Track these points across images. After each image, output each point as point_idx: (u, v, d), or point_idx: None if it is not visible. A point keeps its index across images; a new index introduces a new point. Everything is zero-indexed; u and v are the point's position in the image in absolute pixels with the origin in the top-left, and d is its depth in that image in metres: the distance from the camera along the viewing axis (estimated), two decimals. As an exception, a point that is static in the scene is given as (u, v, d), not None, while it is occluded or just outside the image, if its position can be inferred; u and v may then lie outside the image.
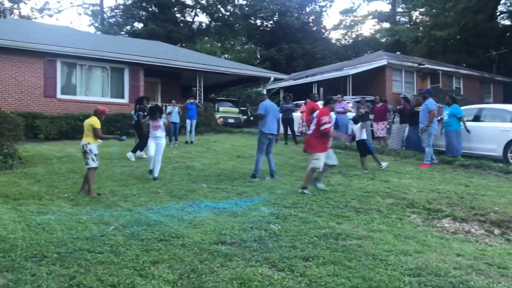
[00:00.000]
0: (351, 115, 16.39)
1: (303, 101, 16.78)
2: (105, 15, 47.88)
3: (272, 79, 23.08)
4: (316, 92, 16.82)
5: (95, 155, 7.82)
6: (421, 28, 44.50)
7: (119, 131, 16.30)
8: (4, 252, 4.42)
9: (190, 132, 15.58)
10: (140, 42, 25.72)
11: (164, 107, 15.68)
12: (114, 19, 46.94)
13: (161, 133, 9.35)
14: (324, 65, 39.02)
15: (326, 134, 7.60)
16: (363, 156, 10.12)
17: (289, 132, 15.63)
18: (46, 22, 42.78)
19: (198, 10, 48.51)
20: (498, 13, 40.70)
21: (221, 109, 22.51)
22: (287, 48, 42.40)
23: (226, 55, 39.96)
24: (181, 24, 46.34)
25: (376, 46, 47.62)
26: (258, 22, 48.49)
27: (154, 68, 19.36)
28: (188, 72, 20.91)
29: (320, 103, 12.73)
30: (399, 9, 52.79)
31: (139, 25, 45.48)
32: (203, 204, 6.76)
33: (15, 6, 44.33)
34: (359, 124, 10.33)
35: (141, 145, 11.80)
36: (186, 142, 15.32)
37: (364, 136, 10.29)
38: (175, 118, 15.03)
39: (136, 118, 12.42)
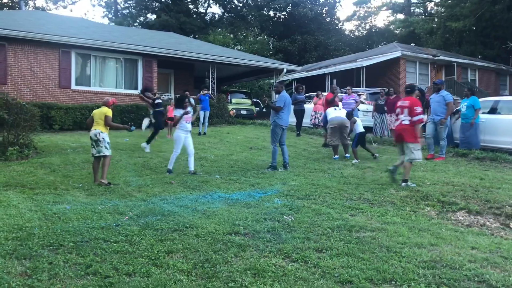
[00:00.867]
0: (364, 107, 16.34)
1: (315, 93, 16.67)
2: (118, 6, 48.02)
3: (285, 70, 23.00)
4: (335, 84, 16.65)
5: (108, 143, 7.94)
6: (436, 19, 43.93)
7: (133, 121, 16.41)
8: (21, 240, 4.50)
9: (203, 123, 15.64)
10: (154, 34, 25.76)
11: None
12: (127, 11, 47.08)
13: (190, 126, 9.11)
14: (337, 56, 38.75)
15: (420, 124, 7.63)
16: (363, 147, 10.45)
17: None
18: (61, 14, 43.04)
19: (211, 1, 48.42)
20: (515, 4, 39.94)
21: (233, 100, 22.53)
22: (300, 40, 42.15)
23: (239, 47, 39.91)
24: (194, 16, 46.29)
25: (390, 38, 47.19)
26: (271, 13, 48.22)
27: (167, 59, 19.41)
28: (201, 63, 20.94)
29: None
30: (414, 0, 52.11)
31: (152, 17, 45.57)
32: (217, 195, 6.79)
33: (30, -3, 44.64)
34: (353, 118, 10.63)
35: (153, 137, 11.89)
36: (199, 134, 15.37)
37: (358, 129, 10.41)
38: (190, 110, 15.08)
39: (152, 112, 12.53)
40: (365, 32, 54.57)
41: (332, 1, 48.99)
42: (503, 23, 35.96)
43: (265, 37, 42.05)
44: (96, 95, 17.47)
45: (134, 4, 46.33)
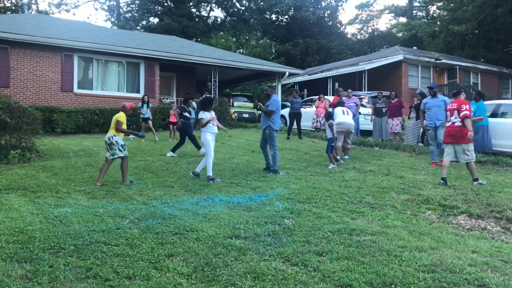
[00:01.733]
0: (365, 110, 16.34)
1: (317, 97, 16.69)
2: (121, 10, 48.23)
3: (287, 74, 23.02)
4: (339, 87, 16.65)
5: (122, 145, 8.19)
6: (438, 23, 43.94)
7: (135, 125, 16.46)
8: (22, 243, 4.52)
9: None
10: (156, 37, 25.83)
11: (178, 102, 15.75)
12: (130, 14, 47.28)
13: (216, 129, 8.96)
14: (340, 60, 38.80)
15: (467, 119, 7.95)
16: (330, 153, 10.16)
17: (295, 126, 15.64)
18: (63, 17, 43.23)
19: (213, 4, 48.55)
20: (518, 7, 39.94)
21: (235, 104, 22.55)
22: (302, 43, 42.23)
23: (241, 50, 39.95)
24: (197, 19, 46.41)
25: (392, 41, 47.26)
26: (273, 16, 48.32)
27: (170, 62, 19.46)
28: (203, 66, 20.98)
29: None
30: (416, 3, 52.12)
31: (154, 20, 45.74)
32: (218, 199, 6.80)
33: (33, 1, 44.85)
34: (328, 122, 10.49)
35: (180, 145, 11.78)
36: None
37: (329, 134, 10.28)
38: (191, 114, 15.11)
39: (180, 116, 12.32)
40: (367, 35, 54.62)
41: (334, 4, 49.09)
42: (506, 27, 35.94)
43: (267, 40, 42.10)
44: (99, 98, 17.54)
45: (137, 8, 46.54)
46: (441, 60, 27.88)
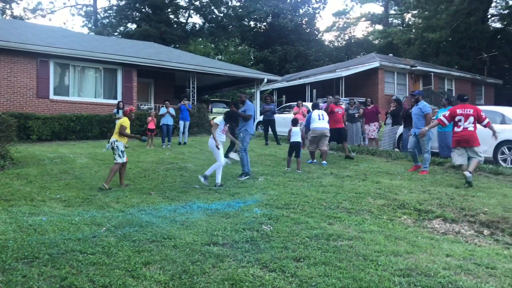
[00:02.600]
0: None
1: (295, 103, 16.81)
2: (98, 16, 47.85)
3: (265, 80, 23.14)
4: (332, 95, 16.81)
5: (122, 151, 8.51)
6: (413, 30, 44.77)
7: (112, 132, 16.30)
8: (-5, 253, 4.42)
9: (183, 133, 15.62)
10: (134, 43, 25.69)
11: (157, 109, 15.66)
12: (107, 20, 46.92)
13: (224, 137, 9.10)
14: (317, 66, 39.18)
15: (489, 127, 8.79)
16: (290, 156, 10.37)
17: (270, 132, 15.76)
18: (39, 23, 42.57)
19: (192, 11, 48.56)
20: (489, 16, 41.08)
21: (214, 110, 22.55)
22: (281, 50, 42.53)
23: (219, 56, 40.00)
24: (175, 25, 46.34)
25: (369, 48, 47.92)
26: (252, 23, 48.57)
27: (147, 69, 19.37)
28: (182, 73, 20.94)
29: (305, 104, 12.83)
30: (392, 11, 53.07)
31: (132, 26, 45.50)
32: (196, 205, 6.77)
33: (7, 6, 44.11)
34: (297, 127, 10.75)
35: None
36: (179, 143, 15.33)
37: (298, 138, 10.42)
38: (169, 120, 15.06)
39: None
40: (344, 42, 55.32)
41: (312, 12, 49.62)
42: (478, 35, 36.86)
43: (246, 47, 42.27)
44: (75, 105, 17.32)
45: (114, 14, 46.22)
46: (416, 67, 28.41)
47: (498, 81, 34.02)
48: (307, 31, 48.82)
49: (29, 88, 16.55)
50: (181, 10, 48.09)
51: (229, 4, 48.13)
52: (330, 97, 14.75)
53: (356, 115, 14.45)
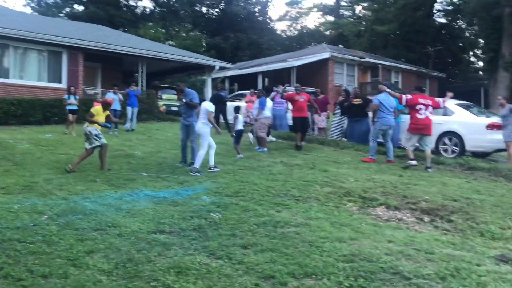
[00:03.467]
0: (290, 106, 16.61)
1: (248, 91, 16.79)
2: (42, -5, 45.57)
3: (217, 67, 22.94)
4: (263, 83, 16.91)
5: (96, 135, 8.55)
6: (363, 23, 45.74)
7: (56, 117, 15.70)
8: None
9: (131, 119, 15.23)
10: (80, 25, 24.71)
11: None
12: (52, 0, 44.77)
13: None
14: (270, 55, 39.24)
15: None
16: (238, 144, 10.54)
17: (222, 120, 15.70)
18: (-23, 0, 40.15)
19: (142, -6, 47.26)
20: (435, 11, 42.57)
21: (164, 96, 22.10)
22: (233, 37, 42.29)
23: (170, 42, 39.22)
24: (124, 8, 44.93)
25: (320, 39, 48.48)
26: (204, 9, 47.95)
27: (94, 52, 18.68)
28: (130, 57, 20.35)
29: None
30: (343, 3, 53.88)
31: (79, 8, 43.68)
32: (143, 193, 6.65)
33: None
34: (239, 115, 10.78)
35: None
36: (127, 130, 14.95)
37: (240, 126, 10.60)
38: (116, 106, 14.64)
39: None
40: (296, 32, 55.73)
41: (265, 0, 49.55)
42: (424, 29, 38.14)
43: (198, 33, 41.68)
44: (16, 88, 16.48)
45: (60, -6, 44.23)
46: (365, 58, 29.08)
47: (442, 75, 35.41)
48: (260, 19, 48.79)
49: (-35, 69, 15.61)
50: (131, -8, 46.73)
51: (181, -12, 47.24)
52: (281, 86, 14.80)
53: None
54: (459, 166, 9.73)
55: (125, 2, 46.21)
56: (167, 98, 22.10)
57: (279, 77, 26.15)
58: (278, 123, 14.08)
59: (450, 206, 6.44)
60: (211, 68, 22.93)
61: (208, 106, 8.96)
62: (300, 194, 6.84)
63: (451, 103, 12.03)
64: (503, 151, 11.00)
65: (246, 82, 26.90)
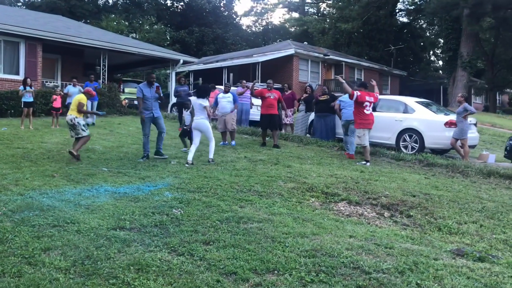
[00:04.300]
0: (259, 102, 16.63)
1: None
2: (-1, -18, 43.81)
3: (181, 61, 22.69)
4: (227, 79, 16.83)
5: (84, 125, 8.87)
6: (327, 20, 46.25)
7: (13, 109, 15.17)
8: None
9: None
10: (39, 15, 23.91)
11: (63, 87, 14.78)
12: (10, -12, 43.13)
13: None
14: (235, 51, 39.16)
15: None
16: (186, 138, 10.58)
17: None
18: None
19: (105, -15, 46.15)
20: (397, 10, 43.53)
21: (126, 90, 21.72)
22: (198, 31, 41.90)
23: (133, 35, 38.53)
24: (86, -1, 43.76)
25: (285, 35, 48.79)
26: (168, 2, 47.30)
27: (54, 44, 18.12)
28: (92, 49, 19.85)
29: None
30: (308, 0, 54.29)
31: (38, -3, 42.23)
32: (103, 189, 6.50)
33: None
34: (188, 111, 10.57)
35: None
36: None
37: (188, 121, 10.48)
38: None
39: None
40: (261, 28, 55.80)
41: (230, -6, 49.33)
42: (386, 27, 38.93)
43: (162, 26, 41.09)
44: (-30, 79, 15.82)
45: (18, -18, 42.66)
46: (329, 56, 29.41)
47: (403, 73, 36.28)
48: (225, 14, 48.52)
49: None
50: (93, -17, 45.52)
51: (145, -20, 46.39)
52: (244, 81, 14.78)
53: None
54: (418, 163, 9.97)
55: (87, -7, 45.02)
56: (130, 92, 21.71)
57: (244, 73, 26.14)
58: (243, 117, 14.12)
59: (410, 201, 6.61)
60: (175, 62, 22.67)
61: (201, 101, 9.05)
62: (264, 189, 6.85)
63: (411, 101, 12.32)
64: (460, 148, 11.34)
65: (211, 76, 26.74)
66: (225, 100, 11.72)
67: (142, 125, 9.51)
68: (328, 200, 6.61)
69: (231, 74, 25.64)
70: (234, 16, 51.23)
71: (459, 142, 10.83)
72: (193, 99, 9.38)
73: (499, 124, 22.69)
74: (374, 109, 11.98)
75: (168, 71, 24.29)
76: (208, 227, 4.86)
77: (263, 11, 57.13)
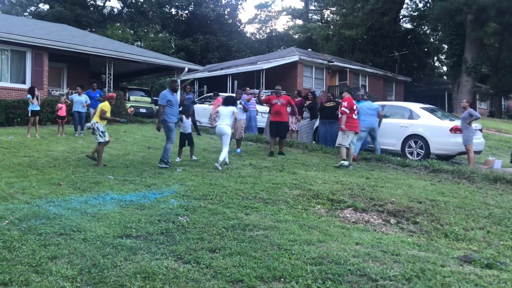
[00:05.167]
0: (263, 108, 16.68)
1: (211, 94, 16.89)
2: (5, -7, 44.24)
3: (186, 69, 22.78)
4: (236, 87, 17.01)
5: (102, 132, 9.20)
6: (331, 27, 46.37)
7: (19, 118, 15.27)
8: None
9: (96, 121, 14.87)
10: (45, 25, 24.12)
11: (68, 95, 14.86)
12: (16, -2, 43.56)
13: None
14: (239, 58, 39.30)
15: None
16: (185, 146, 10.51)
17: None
18: None
19: (110, -6, 46.50)
20: (401, 17, 43.59)
21: (132, 98, 21.80)
22: (202, 39, 42.09)
23: (138, 43, 38.77)
24: (91, 8, 44.15)
25: (289, 42, 48.90)
26: (173, 11, 47.56)
27: (60, 52, 18.25)
28: (98, 58, 19.98)
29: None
30: (312, 7, 54.49)
31: (44, 7, 42.67)
32: (109, 197, 6.51)
33: None
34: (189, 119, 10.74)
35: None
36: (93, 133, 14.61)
37: (187, 130, 10.54)
38: (80, 107, 14.30)
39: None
40: (265, 35, 55.98)
41: (234, 3, 49.58)
42: (391, 34, 38.96)
43: (167, 34, 41.31)
44: (-23, 88, 15.95)
45: (24, -8, 43.05)
46: (333, 62, 29.44)
47: (408, 79, 36.23)
48: (229, 22, 48.72)
49: None
50: (98, -8, 45.91)
51: (150, -11, 46.69)
52: (248, 88, 14.85)
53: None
54: (424, 169, 9.93)
55: (92, 2, 45.44)
56: (135, 100, 21.80)
57: (248, 80, 26.19)
58: (251, 124, 14.19)
59: (416, 208, 6.58)
60: (180, 70, 22.76)
61: (230, 108, 9.83)
62: (269, 196, 6.85)
63: (416, 107, 12.30)
64: (465, 154, 11.30)
65: (216, 84, 26.84)
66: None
67: (168, 132, 9.41)
68: (334, 207, 6.59)
69: (236, 82, 25.70)
70: (238, 24, 51.43)
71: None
72: (221, 107, 9.99)
73: (505, 129, 22.57)
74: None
75: (173, 79, 24.35)
76: (214, 234, 4.87)
77: (267, 18, 57.35)
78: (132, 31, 40.40)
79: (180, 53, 38.82)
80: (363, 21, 36.95)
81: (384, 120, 11.91)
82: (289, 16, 56.49)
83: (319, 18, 53.90)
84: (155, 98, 24.75)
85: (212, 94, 17.91)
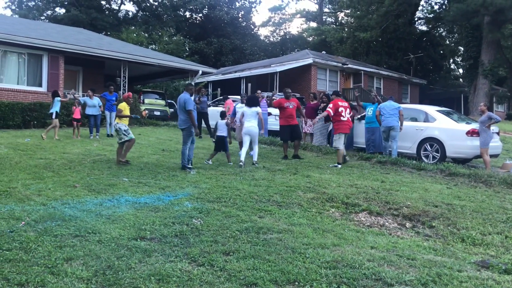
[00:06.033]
0: (276, 111, 16.64)
1: (222, 97, 16.97)
2: (23, -3, 44.95)
3: (200, 72, 22.89)
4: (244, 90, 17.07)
5: (125, 130, 9.65)
6: (346, 29, 46.19)
7: (36, 121, 15.46)
8: None
9: (111, 124, 14.96)
10: (61, 28, 24.44)
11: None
12: (33, 3, 44.20)
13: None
14: (253, 61, 39.32)
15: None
16: (217, 151, 10.53)
17: (204, 125, 15.72)
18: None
19: (125, -2, 46.98)
20: (416, 19, 43.24)
21: (146, 101, 21.95)
22: (216, 42, 42.23)
23: (153, 46, 39.05)
24: (106, 12, 44.61)
25: (303, 45, 48.80)
26: (187, 14, 47.81)
27: (76, 56, 18.49)
28: (112, 61, 20.19)
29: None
30: (326, 10, 54.37)
31: (60, 11, 43.24)
32: (123, 199, 6.55)
33: None
34: (224, 120, 10.75)
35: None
36: (108, 135, 14.76)
37: (223, 132, 10.50)
38: (95, 111, 14.44)
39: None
40: (279, 38, 55.95)
41: (248, 5, 49.66)
42: (406, 36, 38.66)
43: (181, 37, 41.54)
44: (-5, 90, 16.21)
45: (41, -4, 43.69)
46: (347, 65, 29.29)
47: (423, 81, 35.91)
48: (243, 24, 48.82)
49: None
50: (113, -4, 46.40)
51: (164, -8, 47.04)
52: (259, 91, 14.85)
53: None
54: (440, 172, 9.82)
55: (108, 6, 45.92)
56: (150, 103, 21.94)
57: (262, 83, 26.19)
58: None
59: (432, 212, 6.50)
60: (194, 73, 22.88)
61: (254, 109, 10.24)
62: (283, 200, 6.82)
63: (432, 110, 12.18)
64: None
65: (229, 87, 26.88)
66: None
67: (188, 137, 9.42)
68: (348, 211, 6.54)
69: (249, 84, 25.72)
70: (252, 27, 51.51)
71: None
72: (245, 108, 10.39)
73: (523, 132, 22.23)
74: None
75: (187, 82, 24.46)
76: (228, 237, 4.86)
77: (281, 21, 57.33)
78: (146, 34, 40.72)
79: (194, 56, 38.98)
80: (378, 23, 36.71)
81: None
82: (303, 19, 56.45)
83: (333, 21, 53.73)
84: (169, 101, 24.91)
85: (222, 97, 18.05)
